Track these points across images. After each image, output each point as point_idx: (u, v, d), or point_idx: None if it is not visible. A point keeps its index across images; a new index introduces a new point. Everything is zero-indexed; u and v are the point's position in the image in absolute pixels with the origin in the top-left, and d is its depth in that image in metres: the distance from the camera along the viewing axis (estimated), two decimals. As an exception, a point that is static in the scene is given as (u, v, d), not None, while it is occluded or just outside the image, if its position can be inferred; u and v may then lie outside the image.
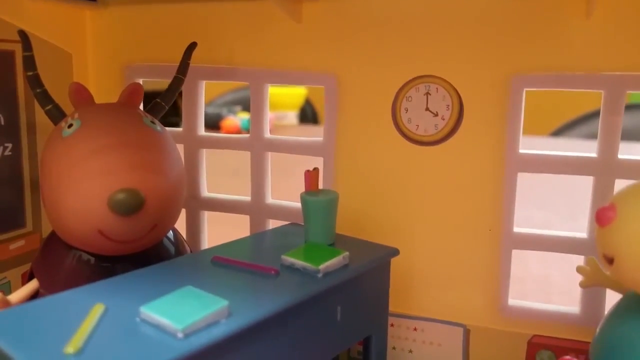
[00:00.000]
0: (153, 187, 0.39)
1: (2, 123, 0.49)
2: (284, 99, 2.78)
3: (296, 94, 2.87)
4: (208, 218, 0.59)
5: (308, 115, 3.15)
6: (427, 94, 0.48)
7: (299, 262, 0.40)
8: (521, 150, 0.48)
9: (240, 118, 2.37)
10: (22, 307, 0.34)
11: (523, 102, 0.48)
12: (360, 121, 0.52)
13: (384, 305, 0.46)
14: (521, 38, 0.47)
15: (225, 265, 0.40)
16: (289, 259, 0.40)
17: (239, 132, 2.27)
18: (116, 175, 0.38)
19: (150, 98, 0.48)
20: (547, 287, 0.94)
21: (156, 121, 0.45)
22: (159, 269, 0.40)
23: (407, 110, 0.49)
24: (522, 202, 0.51)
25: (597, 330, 0.38)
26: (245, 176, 0.57)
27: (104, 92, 0.57)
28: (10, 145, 0.50)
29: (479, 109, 0.48)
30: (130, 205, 0.37)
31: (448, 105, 0.48)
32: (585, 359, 0.38)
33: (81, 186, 0.38)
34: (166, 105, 0.48)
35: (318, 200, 0.45)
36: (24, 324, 0.31)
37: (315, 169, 0.46)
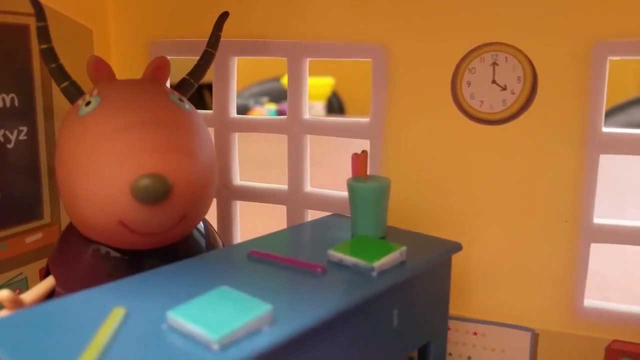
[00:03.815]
0: (181, 172, 0.35)
1: (17, 105, 0.46)
2: (310, 89, 2.74)
3: (323, 84, 2.83)
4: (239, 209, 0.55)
5: (334, 106, 3.12)
6: (494, 64, 0.44)
7: (349, 259, 0.35)
8: (605, 129, 0.42)
9: (267, 109, 2.34)
10: (30, 311, 0.30)
11: (606, 73, 0.42)
12: (413, 98, 0.47)
13: (444, 307, 0.41)
14: (606, -2, 0.41)
15: (264, 261, 0.37)
16: (336, 254, 0.36)
17: (266, 123, 2.23)
18: (139, 159, 0.34)
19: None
20: (603, 284, 0.88)
21: (184, 99, 0.41)
22: (189, 265, 0.36)
23: (469, 83, 0.44)
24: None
25: None
26: (273, 166, 0.51)
27: (128, 71, 0.52)
28: (25, 129, 0.46)
29: (556, 81, 0.43)
30: (155, 193, 0.33)
31: (519, 77, 0.43)
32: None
33: (100, 171, 0.34)
34: (195, 83, 0.44)
35: (367, 187, 0.40)
36: (32, 331, 0.27)
37: (364, 152, 0.41)
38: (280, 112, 2.32)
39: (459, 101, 0.45)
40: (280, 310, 0.29)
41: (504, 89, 0.44)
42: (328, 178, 0.42)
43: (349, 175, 0.41)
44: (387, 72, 0.47)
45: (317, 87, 2.74)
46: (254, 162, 0.54)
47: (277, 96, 2.53)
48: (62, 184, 0.38)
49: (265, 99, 2.51)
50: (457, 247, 0.40)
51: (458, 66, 0.45)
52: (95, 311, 0.29)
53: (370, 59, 0.47)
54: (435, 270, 0.39)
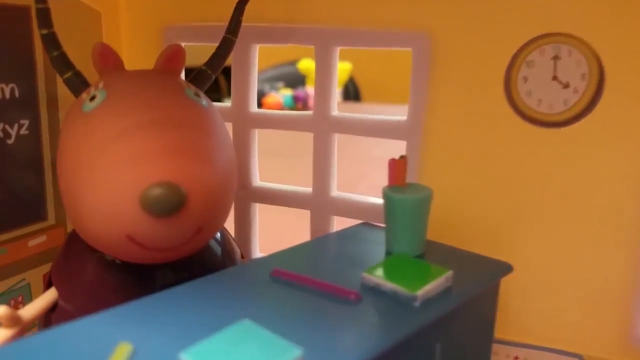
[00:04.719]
0: (197, 180, 0.31)
1: (17, 95, 0.42)
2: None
3: (340, 69, 2.77)
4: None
5: (350, 92, 3.06)
6: (556, 57, 0.39)
7: (388, 284, 0.31)
8: (680, 135, 0.37)
9: (282, 94, 2.29)
10: (23, 344, 0.26)
11: (685, 71, 0.36)
12: (459, 94, 0.42)
13: (488, 336, 0.37)
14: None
15: (289, 284, 0.32)
16: (372, 278, 0.32)
17: (281, 109, 2.20)
18: (149, 165, 0.30)
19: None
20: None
21: (201, 94, 0.37)
22: (204, 287, 0.32)
23: (526, 79, 0.40)
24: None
25: None
26: (289, 156, 0.47)
27: (139, 58, 0.49)
28: (26, 123, 0.43)
29: (626, 79, 0.39)
30: (168, 204, 0.30)
31: (584, 74, 0.39)
32: None
33: (105, 178, 0.31)
34: (213, 74, 0.40)
35: (407, 198, 0.36)
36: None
37: (403, 158, 0.37)
38: (296, 98, 2.27)
39: (514, 99, 0.41)
40: (310, 352, 0.24)
41: (566, 86, 0.39)
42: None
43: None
44: (429, 63, 0.42)
45: (334, 71, 2.68)
46: (268, 151, 0.50)
47: (293, 81, 2.47)
48: (63, 188, 0.34)
49: (280, 84, 2.46)
50: (507, 268, 0.35)
51: (514, 59, 0.40)
52: (98, 346, 0.25)
53: (410, 49, 0.42)
54: (482, 296, 0.34)
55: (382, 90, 2.54)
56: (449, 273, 0.32)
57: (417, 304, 0.30)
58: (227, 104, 0.49)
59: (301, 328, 0.27)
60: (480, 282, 0.33)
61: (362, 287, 0.31)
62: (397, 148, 0.46)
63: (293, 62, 2.52)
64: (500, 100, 0.41)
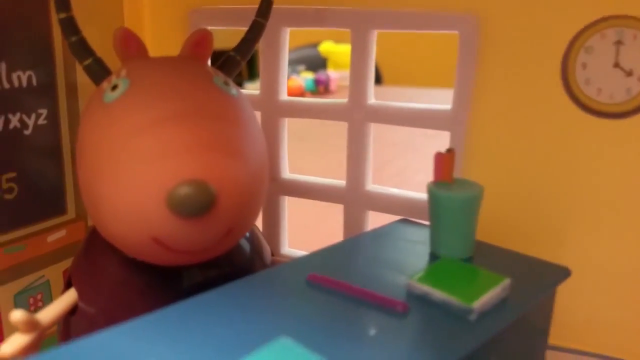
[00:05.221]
0: (228, 177, 0.29)
1: (35, 84, 0.39)
2: (347, 58, 2.61)
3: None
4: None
5: (372, 75, 3.01)
6: (619, 43, 0.36)
7: (439, 294, 0.29)
8: None
9: (304, 78, 2.25)
10: None
11: None
12: (510, 82, 0.39)
13: (542, 346, 0.35)
14: None
15: (327, 290, 0.30)
16: (420, 286, 0.30)
17: (302, 93, 2.17)
18: (177, 161, 0.28)
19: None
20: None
21: (230, 82, 0.35)
22: (235, 294, 0.29)
23: (585, 66, 0.37)
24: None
25: None
26: (312, 141, 0.44)
27: (163, 44, 0.47)
28: (45, 112, 0.41)
29: None
30: (197, 204, 0.27)
31: None
32: None
33: (128, 175, 0.28)
34: (242, 60, 0.37)
35: (455, 196, 0.34)
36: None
37: (451, 152, 0.34)
38: (317, 81, 2.23)
39: (571, 88, 0.37)
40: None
41: (630, 74, 0.36)
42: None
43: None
44: (477, 48, 0.39)
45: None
46: (289, 135, 0.48)
47: (314, 64, 2.43)
48: (83, 184, 0.32)
49: (301, 67, 2.42)
50: (565, 273, 0.33)
51: (571, 44, 0.37)
52: (121, 364, 0.23)
53: (456, 32, 0.39)
54: (538, 304, 0.31)
55: (403, 73, 2.48)
56: (506, 281, 0.29)
57: (472, 317, 0.27)
58: (254, 91, 0.46)
59: (343, 343, 0.25)
60: (537, 290, 0.30)
61: (408, 296, 0.29)
62: (420, 132, 0.43)
63: (314, 45, 2.48)
64: (555, 89, 0.38)
